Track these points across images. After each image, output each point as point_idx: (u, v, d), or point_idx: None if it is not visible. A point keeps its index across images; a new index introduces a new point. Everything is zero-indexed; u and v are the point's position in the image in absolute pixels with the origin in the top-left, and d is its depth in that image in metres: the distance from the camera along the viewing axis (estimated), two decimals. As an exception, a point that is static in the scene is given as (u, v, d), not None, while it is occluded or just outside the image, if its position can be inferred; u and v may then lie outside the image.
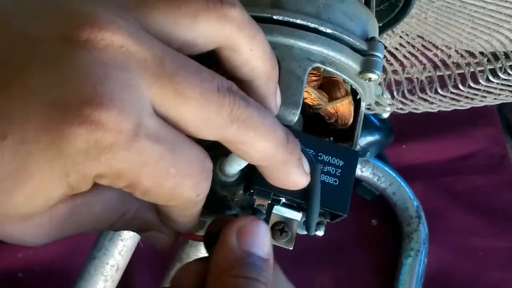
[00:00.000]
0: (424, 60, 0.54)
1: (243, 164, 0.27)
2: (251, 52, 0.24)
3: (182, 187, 0.22)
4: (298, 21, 0.32)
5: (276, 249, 0.32)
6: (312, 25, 0.32)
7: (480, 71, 0.52)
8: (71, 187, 0.20)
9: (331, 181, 0.30)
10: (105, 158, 0.19)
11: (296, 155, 0.25)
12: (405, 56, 0.53)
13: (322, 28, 0.32)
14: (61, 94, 0.19)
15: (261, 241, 0.25)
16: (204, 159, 0.23)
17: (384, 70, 0.55)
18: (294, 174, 0.25)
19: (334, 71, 0.32)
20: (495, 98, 0.54)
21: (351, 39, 0.33)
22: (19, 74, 0.19)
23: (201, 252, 0.60)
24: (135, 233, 0.65)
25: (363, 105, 0.35)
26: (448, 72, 0.54)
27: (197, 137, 0.22)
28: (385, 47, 0.51)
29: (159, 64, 0.21)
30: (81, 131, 0.19)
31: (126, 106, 0.19)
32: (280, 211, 0.30)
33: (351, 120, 0.34)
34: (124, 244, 0.64)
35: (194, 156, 0.22)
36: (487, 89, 0.53)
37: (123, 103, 0.19)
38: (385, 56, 0.52)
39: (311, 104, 0.33)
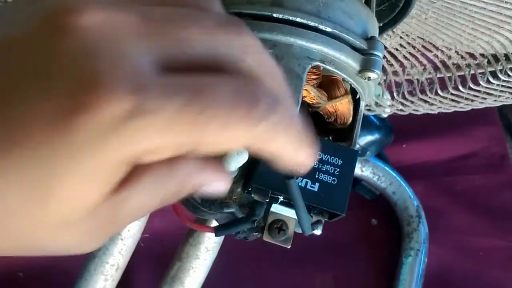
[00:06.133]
0: (425, 61, 0.54)
1: (242, 161, 0.27)
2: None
3: (231, 124, 0.19)
4: (298, 20, 0.32)
5: (276, 249, 0.32)
6: (312, 24, 0.32)
7: (480, 73, 0.52)
8: (106, 180, 0.19)
9: (329, 180, 0.30)
10: (121, 136, 0.18)
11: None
12: (405, 57, 0.53)
13: (322, 27, 0.32)
14: (56, 87, 0.18)
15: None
16: (246, 82, 0.20)
17: (384, 71, 0.55)
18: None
19: (334, 69, 0.32)
20: (495, 100, 0.54)
21: (351, 38, 0.33)
22: (10, 79, 0.19)
23: (201, 251, 0.60)
24: (135, 233, 0.65)
25: (362, 104, 0.35)
26: (448, 74, 0.54)
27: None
28: (385, 48, 0.51)
29: (147, 21, 0.19)
30: (88, 117, 0.17)
31: (118, 77, 0.18)
32: (278, 209, 0.30)
33: (350, 119, 0.34)
34: (124, 243, 0.64)
35: (231, 84, 0.19)
36: (487, 90, 0.53)
37: (114, 75, 0.18)
38: (385, 57, 0.52)
39: (310, 102, 0.33)
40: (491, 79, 0.51)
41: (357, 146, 0.34)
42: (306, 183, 0.30)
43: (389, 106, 0.59)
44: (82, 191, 0.19)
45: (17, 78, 0.19)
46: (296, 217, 0.31)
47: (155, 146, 0.18)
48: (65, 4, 0.19)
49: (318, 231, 0.32)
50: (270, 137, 0.20)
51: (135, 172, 0.20)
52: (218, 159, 0.23)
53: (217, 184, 0.23)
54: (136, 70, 0.18)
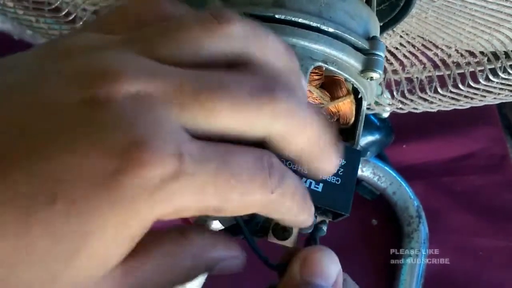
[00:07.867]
0: (424, 60, 0.54)
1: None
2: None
3: (250, 192, 0.21)
4: (300, 20, 0.32)
5: (277, 249, 0.32)
6: (314, 24, 0.32)
7: (480, 71, 0.52)
8: (131, 239, 0.20)
9: (333, 180, 0.30)
10: (159, 196, 0.19)
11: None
12: (405, 56, 0.53)
13: (324, 27, 0.32)
14: (96, 151, 0.18)
15: (325, 269, 0.25)
16: (262, 156, 0.21)
17: (384, 69, 0.55)
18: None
19: (336, 70, 0.32)
20: (494, 98, 0.54)
21: (353, 38, 0.33)
22: (51, 142, 0.19)
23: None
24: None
25: (364, 104, 0.35)
26: (448, 72, 0.54)
27: (244, 138, 0.22)
28: (385, 47, 0.51)
29: (179, 91, 0.20)
30: (126, 180, 0.18)
31: (162, 142, 0.19)
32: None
33: (353, 119, 0.34)
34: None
35: (250, 158, 0.21)
36: (486, 88, 0.53)
37: (158, 140, 0.19)
38: (385, 56, 0.52)
39: (313, 103, 0.33)
40: (490, 77, 0.51)
41: (358, 146, 0.34)
42: (310, 183, 0.30)
43: (389, 104, 0.59)
44: (110, 249, 0.19)
45: (57, 136, 0.19)
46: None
47: (185, 206, 0.20)
48: (102, 72, 0.20)
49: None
50: (279, 203, 0.22)
51: (147, 243, 0.21)
52: (229, 235, 0.25)
53: (232, 261, 0.25)
54: (174, 136, 0.19)
